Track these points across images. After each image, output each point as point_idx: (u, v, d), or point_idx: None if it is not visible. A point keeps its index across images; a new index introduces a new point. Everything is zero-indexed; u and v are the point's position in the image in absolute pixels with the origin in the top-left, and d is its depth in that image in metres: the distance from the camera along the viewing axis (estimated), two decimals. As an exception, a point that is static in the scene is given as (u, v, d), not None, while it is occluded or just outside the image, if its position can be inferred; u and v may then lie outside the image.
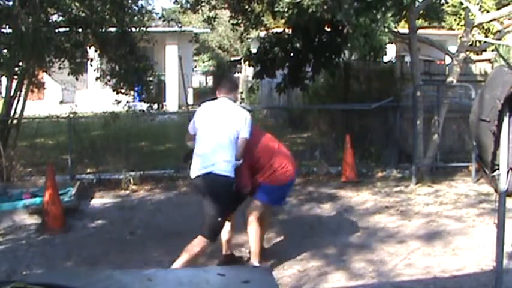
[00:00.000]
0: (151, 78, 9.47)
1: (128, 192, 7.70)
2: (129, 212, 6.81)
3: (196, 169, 4.63)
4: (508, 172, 3.94)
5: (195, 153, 4.70)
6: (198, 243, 4.54)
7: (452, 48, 10.57)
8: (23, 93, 8.64)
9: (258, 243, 4.86)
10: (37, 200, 6.59)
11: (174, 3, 10.32)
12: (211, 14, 10.27)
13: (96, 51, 9.35)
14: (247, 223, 4.88)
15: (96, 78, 9.75)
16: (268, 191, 4.92)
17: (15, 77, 8.37)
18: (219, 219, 4.59)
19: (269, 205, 5.10)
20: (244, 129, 4.73)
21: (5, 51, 7.95)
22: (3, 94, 9.14)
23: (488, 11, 10.81)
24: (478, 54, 11.66)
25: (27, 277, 4.07)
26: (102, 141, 9.69)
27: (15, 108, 8.56)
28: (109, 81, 9.28)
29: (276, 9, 7.82)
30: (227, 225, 4.91)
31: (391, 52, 15.02)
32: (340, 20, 7.12)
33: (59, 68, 9.17)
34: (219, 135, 4.65)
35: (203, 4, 9.89)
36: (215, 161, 4.56)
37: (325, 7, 7.00)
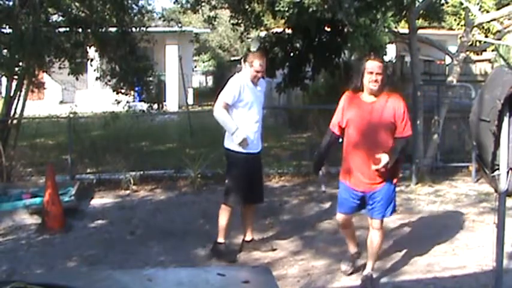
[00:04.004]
0: (151, 78, 9.46)
1: (128, 192, 7.69)
2: (129, 212, 6.81)
3: None
4: (508, 172, 3.92)
5: None
6: (221, 211, 5.16)
7: (452, 48, 10.56)
8: (23, 93, 8.63)
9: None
10: (37, 200, 6.59)
11: (174, 3, 10.29)
12: (212, 14, 10.24)
13: (96, 51, 9.34)
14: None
15: (96, 78, 9.74)
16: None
17: (15, 77, 8.36)
18: (228, 182, 5.21)
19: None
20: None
21: (5, 51, 7.94)
22: (3, 94, 9.14)
23: (488, 11, 10.79)
24: (478, 54, 11.67)
25: (27, 277, 4.06)
26: (102, 141, 9.70)
27: (15, 108, 8.55)
28: (109, 81, 9.26)
29: (276, 9, 7.81)
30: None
31: (391, 52, 15.02)
32: (341, 19, 7.13)
33: (59, 68, 9.15)
34: None
35: (203, 4, 9.88)
36: None
37: (325, 6, 7.01)
